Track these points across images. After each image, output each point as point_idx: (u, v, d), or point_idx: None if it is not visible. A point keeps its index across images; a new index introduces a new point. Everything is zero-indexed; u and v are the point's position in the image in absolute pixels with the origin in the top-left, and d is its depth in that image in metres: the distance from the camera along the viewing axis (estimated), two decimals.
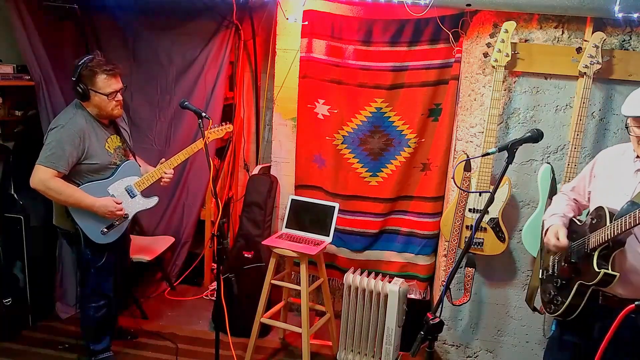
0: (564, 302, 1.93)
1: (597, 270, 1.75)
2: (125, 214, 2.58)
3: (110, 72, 2.43)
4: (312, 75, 3.14)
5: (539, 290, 2.62)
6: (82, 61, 2.41)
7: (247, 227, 3.26)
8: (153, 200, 2.71)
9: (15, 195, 3.10)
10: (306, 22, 3.06)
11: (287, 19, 3.09)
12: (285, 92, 3.26)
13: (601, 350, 1.30)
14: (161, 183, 2.72)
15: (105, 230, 2.53)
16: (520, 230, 2.73)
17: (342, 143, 3.20)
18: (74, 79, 2.40)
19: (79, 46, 3.38)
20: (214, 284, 3.73)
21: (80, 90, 2.41)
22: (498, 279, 2.87)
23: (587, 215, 1.95)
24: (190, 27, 3.42)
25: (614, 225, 1.70)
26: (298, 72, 3.17)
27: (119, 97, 2.50)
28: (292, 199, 3.02)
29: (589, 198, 2.03)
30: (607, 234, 1.73)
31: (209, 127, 2.75)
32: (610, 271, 1.73)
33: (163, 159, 2.73)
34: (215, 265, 2.55)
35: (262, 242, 2.92)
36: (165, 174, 2.69)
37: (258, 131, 3.81)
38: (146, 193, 2.69)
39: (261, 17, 3.55)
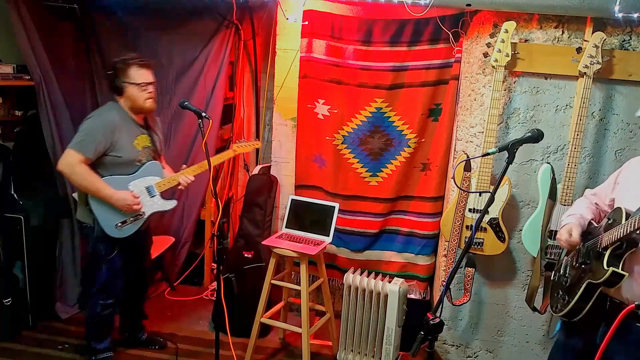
0: (570, 301, 1.91)
1: (605, 268, 1.74)
2: (142, 211, 2.61)
3: (142, 63, 2.55)
4: (312, 75, 3.14)
5: (538, 290, 2.62)
6: (118, 58, 2.55)
7: (247, 227, 3.26)
8: (171, 203, 2.73)
9: (15, 195, 3.10)
10: (306, 22, 3.06)
11: (287, 19, 3.08)
12: (285, 92, 3.26)
13: (601, 351, 1.30)
14: (178, 187, 2.73)
15: (120, 224, 2.57)
16: (520, 230, 2.73)
17: (342, 143, 3.20)
18: (110, 73, 2.55)
19: (79, 46, 3.38)
20: (214, 284, 3.73)
21: (114, 83, 2.52)
22: (498, 279, 2.87)
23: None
24: (190, 27, 3.42)
25: (627, 224, 1.69)
26: (298, 72, 3.17)
27: (151, 89, 2.56)
28: (292, 199, 3.02)
29: (610, 205, 2.01)
30: (620, 232, 1.71)
31: (239, 141, 2.92)
32: (619, 270, 1.71)
33: (184, 165, 2.78)
34: (215, 265, 2.55)
35: (262, 242, 2.92)
36: (186, 178, 2.69)
37: (258, 131, 3.81)
38: (165, 196, 2.71)
39: (261, 17, 3.55)
